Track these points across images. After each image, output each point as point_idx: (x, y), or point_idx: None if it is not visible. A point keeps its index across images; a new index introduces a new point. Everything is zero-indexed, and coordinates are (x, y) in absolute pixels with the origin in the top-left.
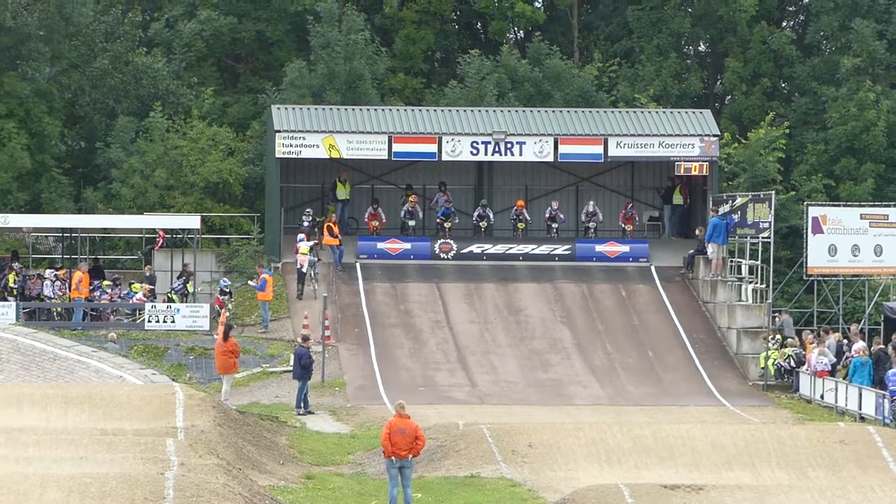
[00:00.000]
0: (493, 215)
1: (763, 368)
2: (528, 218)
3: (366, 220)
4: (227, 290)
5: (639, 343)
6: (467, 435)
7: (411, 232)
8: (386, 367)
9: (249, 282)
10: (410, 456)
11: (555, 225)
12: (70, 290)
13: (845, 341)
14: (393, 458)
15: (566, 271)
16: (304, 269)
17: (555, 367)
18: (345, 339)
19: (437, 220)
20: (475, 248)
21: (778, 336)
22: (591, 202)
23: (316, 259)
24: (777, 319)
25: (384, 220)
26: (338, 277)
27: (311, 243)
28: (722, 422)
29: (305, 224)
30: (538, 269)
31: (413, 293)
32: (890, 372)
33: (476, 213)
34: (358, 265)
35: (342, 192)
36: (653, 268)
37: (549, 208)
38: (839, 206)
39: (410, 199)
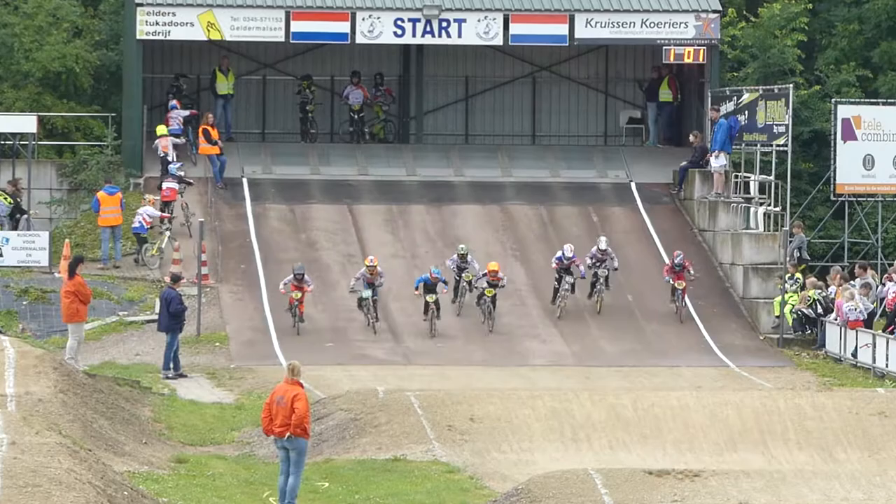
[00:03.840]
0: (476, 264)
1: (778, 317)
2: (505, 284)
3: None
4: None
5: (615, 285)
6: (390, 405)
7: (314, 138)
8: (282, 317)
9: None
10: (290, 434)
11: (568, 283)
12: None
13: (887, 282)
14: (274, 436)
15: (519, 189)
16: (169, 158)
17: (505, 315)
18: (228, 278)
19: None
20: (398, 168)
21: (798, 275)
22: (569, 246)
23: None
24: (790, 242)
25: None
26: (218, 197)
27: (188, 112)
28: (724, 387)
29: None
30: (482, 186)
31: (318, 218)
32: None
33: (454, 264)
34: (245, 181)
35: (224, 86)
36: (633, 185)
37: (560, 255)
38: (878, 104)
39: (309, 89)
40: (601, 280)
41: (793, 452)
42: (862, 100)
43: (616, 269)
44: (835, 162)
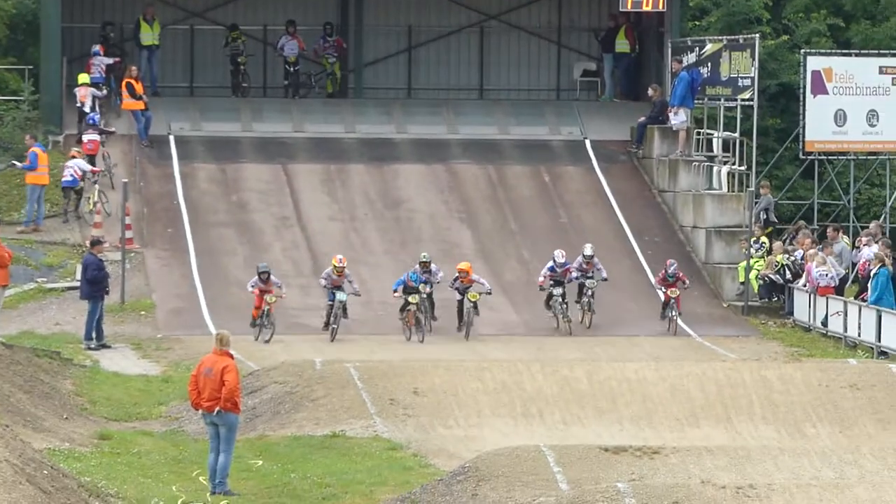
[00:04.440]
0: (441, 273)
1: (743, 284)
2: (489, 289)
3: None
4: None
5: (568, 249)
6: (327, 377)
7: (245, 92)
8: (212, 283)
9: (16, 162)
10: (219, 409)
11: (559, 295)
12: None
13: (859, 246)
14: (203, 411)
15: (466, 147)
16: (85, 108)
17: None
18: (153, 243)
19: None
20: (336, 124)
21: (764, 238)
22: (560, 252)
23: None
24: (756, 203)
25: None
26: (143, 156)
27: (111, 60)
28: (686, 358)
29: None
30: (426, 143)
31: (250, 178)
32: None
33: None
34: (171, 139)
35: (148, 36)
36: (588, 143)
37: (551, 263)
38: (850, 55)
39: (239, 39)
40: (588, 293)
41: (759, 428)
42: (833, 51)
43: (605, 280)
44: (804, 118)
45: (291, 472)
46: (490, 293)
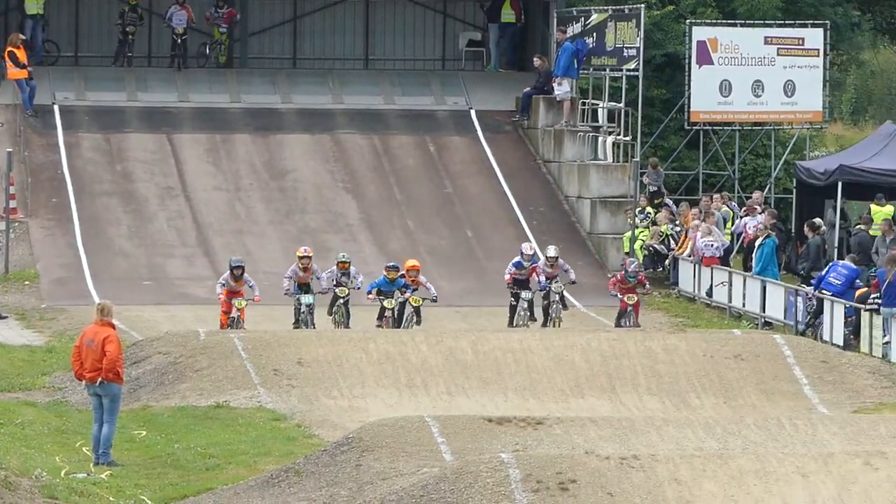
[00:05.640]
0: (361, 277)
1: (628, 254)
2: (434, 295)
3: None
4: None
5: (453, 219)
6: (211, 348)
7: (130, 62)
8: (96, 253)
9: None
10: (101, 380)
11: (525, 301)
12: None
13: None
14: (85, 382)
15: (351, 117)
16: None
17: (335, 252)
18: (38, 212)
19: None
20: (221, 94)
21: (649, 209)
22: (528, 244)
23: None
24: (644, 176)
25: None
26: (27, 125)
27: None
28: (571, 329)
29: None
30: (311, 113)
31: (134, 148)
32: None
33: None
34: (56, 108)
35: (33, 5)
36: (473, 112)
37: (518, 261)
38: (735, 25)
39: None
40: (556, 298)
41: (643, 398)
42: (719, 21)
43: (573, 283)
44: (689, 88)
45: (175, 443)
46: (435, 300)
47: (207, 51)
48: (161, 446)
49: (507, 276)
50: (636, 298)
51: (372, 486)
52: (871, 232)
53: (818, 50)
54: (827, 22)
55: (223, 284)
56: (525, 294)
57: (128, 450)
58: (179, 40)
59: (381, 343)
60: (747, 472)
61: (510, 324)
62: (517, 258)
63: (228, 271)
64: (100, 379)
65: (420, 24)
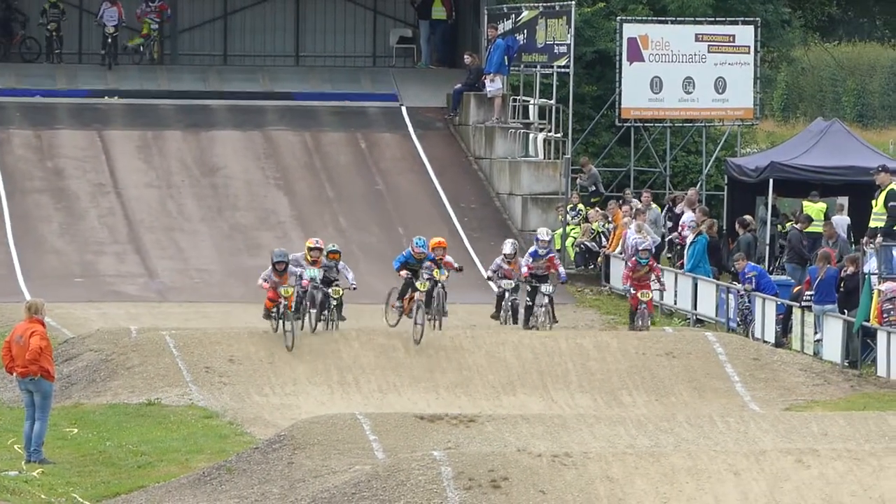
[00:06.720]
0: (350, 274)
1: (559, 251)
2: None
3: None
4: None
5: (384, 216)
6: (143, 345)
7: (60, 58)
8: (27, 250)
9: None
10: (31, 376)
11: (546, 295)
12: None
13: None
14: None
15: (283, 114)
16: None
17: (267, 249)
18: None
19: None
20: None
21: (580, 206)
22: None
23: None
24: (581, 175)
25: None
26: None
27: None
28: (502, 327)
29: None
30: (242, 110)
31: (66, 144)
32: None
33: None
34: None
35: None
36: (404, 109)
37: (534, 250)
38: (666, 22)
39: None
40: (545, 300)
41: (575, 396)
42: (650, 18)
43: (564, 283)
44: (620, 85)
45: (107, 441)
46: (461, 269)
47: (143, 49)
48: (93, 444)
49: (526, 268)
50: (650, 295)
51: (304, 484)
52: (809, 229)
53: (749, 47)
54: (758, 19)
55: (266, 279)
56: (545, 288)
57: (60, 447)
58: (111, 39)
59: (314, 341)
60: (679, 469)
61: (525, 325)
62: (533, 247)
63: (270, 266)
64: (29, 374)
65: (351, 21)
